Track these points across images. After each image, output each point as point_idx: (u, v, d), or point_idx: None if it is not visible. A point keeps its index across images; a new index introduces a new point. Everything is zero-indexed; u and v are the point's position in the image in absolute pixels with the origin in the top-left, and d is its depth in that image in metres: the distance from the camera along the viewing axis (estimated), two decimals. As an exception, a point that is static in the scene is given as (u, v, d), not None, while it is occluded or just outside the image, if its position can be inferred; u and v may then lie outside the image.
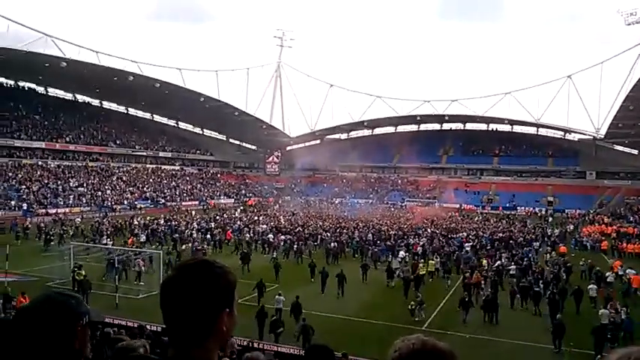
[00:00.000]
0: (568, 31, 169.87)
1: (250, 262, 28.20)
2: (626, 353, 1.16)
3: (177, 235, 36.61)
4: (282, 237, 35.78)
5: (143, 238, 36.22)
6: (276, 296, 19.29)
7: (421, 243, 34.67)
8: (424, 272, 26.35)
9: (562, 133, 76.19)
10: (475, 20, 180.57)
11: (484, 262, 28.52)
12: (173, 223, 42.62)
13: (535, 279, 24.26)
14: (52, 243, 33.26)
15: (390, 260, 29.47)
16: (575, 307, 21.15)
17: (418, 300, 20.91)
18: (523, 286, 22.57)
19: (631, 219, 52.36)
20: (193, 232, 38.50)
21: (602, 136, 68.65)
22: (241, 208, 61.51)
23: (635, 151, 69.14)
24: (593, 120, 70.98)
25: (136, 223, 42.89)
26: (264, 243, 35.61)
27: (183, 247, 32.33)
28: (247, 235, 38.09)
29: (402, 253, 30.34)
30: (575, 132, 74.64)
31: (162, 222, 43.37)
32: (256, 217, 49.04)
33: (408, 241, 35.37)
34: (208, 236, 36.89)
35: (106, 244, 32.02)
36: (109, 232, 36.95)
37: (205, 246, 34.04)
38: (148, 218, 45.35)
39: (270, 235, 36.78)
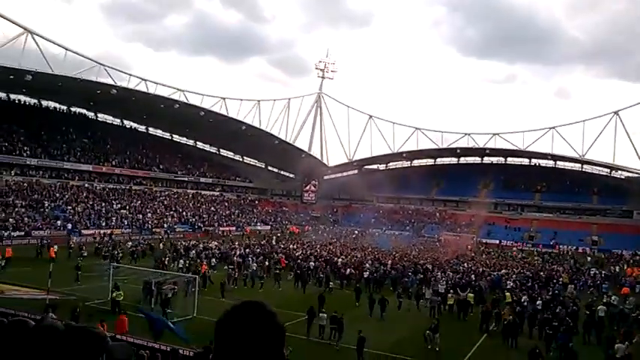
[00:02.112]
0: (615, 68, 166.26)
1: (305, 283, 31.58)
2: None
3: (237, 259, 37.09)
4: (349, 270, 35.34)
5: (214, 262, 36.94)
6: (320, 314, 21.86)
7: (453, 277, 34.39)
8: (452, 302, 27.62)
9: (608, 170, 73.61)
10: (519, 56, 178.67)
11: (507, 295, 29.09)
12: (223, 247, 43.43)
13: (555, 314, 24.49)
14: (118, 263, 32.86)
15: (424, 292, 29.50)
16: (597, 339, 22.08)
17: (433, 326, 20.98)
18: (545, 318, 23.25)
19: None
20: (251, 257, 38.35)
21: (651, 175, 66.20)
22: (278, 235, 61.74)
23: (686, 191, 66.09)
24: (641, 158, 68.64)
25: (183, 244, 43.61)
26: (307, 270, 34.99)
27: (245, 272, 33.27)
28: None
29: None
30: (622, 169, 71.97)
31: (213, 246, 43.86)
32: (291, 245, 49.09)
33: (447, 275, 34.86)
34: (267, 263, 36.61)
35: (181, 267, 32.83)
36: (174, 255, 37.46)
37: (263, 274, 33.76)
38: (196, 241, 46.34)
39: (312, 263, 36.79)
